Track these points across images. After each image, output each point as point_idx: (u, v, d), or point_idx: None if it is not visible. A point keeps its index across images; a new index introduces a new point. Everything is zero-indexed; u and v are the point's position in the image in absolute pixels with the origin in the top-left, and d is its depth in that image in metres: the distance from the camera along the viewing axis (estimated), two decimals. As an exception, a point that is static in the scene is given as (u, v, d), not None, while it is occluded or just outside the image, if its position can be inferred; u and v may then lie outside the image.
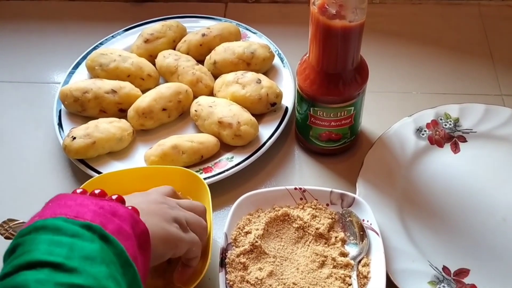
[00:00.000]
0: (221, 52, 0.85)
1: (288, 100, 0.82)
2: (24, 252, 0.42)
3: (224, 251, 0.64)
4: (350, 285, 0.62)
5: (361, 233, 0.66)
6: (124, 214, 0.48)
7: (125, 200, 0.52)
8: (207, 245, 0.63)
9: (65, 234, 0.43)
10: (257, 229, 0.66)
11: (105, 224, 0.45)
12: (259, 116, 0.80)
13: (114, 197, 0.51)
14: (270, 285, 0.62)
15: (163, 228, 0.54)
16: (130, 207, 0.50)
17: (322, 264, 0.64)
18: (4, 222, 0.62)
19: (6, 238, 0.61)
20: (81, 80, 0.84)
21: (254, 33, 0.92)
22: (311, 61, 0.68)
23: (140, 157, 0.77)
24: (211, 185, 0.69)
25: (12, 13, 1.03)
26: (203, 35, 0.88)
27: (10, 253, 0.43)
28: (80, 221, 0.44)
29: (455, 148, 0.77)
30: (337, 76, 0.68)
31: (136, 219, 0.49)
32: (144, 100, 0.79)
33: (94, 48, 0.90)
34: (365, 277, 0.63)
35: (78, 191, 0.52)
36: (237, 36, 0.90)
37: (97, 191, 0.51)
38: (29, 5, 1.04)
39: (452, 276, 0.65)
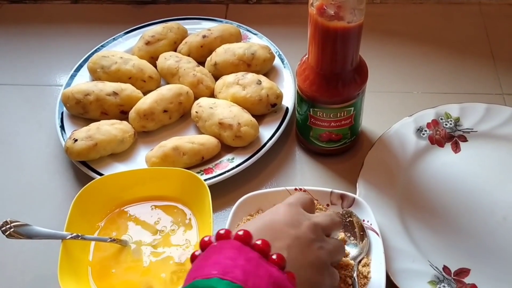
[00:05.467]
0: (222, 53, 0.85)
1: (289, 100, 0.82)
2: None
3: (224, 252, 0.64)
4: (350, 285, 0.62)
5: (361, 233, 0.66)
6: (283, 282, 0.45)
7: (285, 261, 0.47)
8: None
9: None
10: (258, 230, 0.66)
11: None
12: (260, 117, 0.80)
13: (274, 256, 0.47)
14: (271, 286, 0.62)
15: (315, 284, 0.52)
16: (285, 274, 0.47)
17: (323, 264, 0.64)
18: (5, 222, 0.63)
19: (9, 236, 0.62)
20: (83, 82, 0.85)
21: (255, 34, 0.92)
22: (311, 62, 0.68)
23: (141, 159, 0.78)
24: (212, 186, 0.69)
25: (14, 17, 1.04)
26: (204, 36, 0.89)
27: None
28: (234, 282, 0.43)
29: (456, 148, 0.77)
30: (336, 76, 0.68)
31: None
32: (145, 102, 0.80)
33: (96, 51, 0.91)
34: (365, 277, 0.63)
35: (241, 233, 0.48)
36: (237, 38, 0.90)
37: (259, 242, 0.48)
38: (31, 9, 1.05)
39: (452, 275, 0.65)
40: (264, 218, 0.55)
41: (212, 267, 0.44)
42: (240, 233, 0.48)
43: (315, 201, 0.69)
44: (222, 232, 0.49)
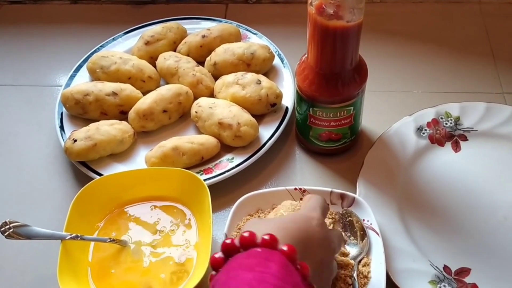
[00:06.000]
0: (221, 53, 0.85)
1: (289, 100, 0.82)
2: None
3: (224, 252, 0.64)
4: (350, 285, 0.62)
5: (361, 233, 0.66)
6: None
7: (308, 272, 0.46)
8: (207, 246, 0.63)
9: None
10: (257, 230, 0.66)
11: None
12: (260, 117, 0.80)
13: (284, 247, 0.46)
14: (271, 286, 0.62)
15: (331, 273, 0.54)
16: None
17: (323, 264, 0.64)
18: (4, 222, 0.63)
19: (8, 237, 0.62)
20: (83, 82, 0.85)
21: (255, 33, 0.92)
22: (310, 62, 0.68)
23: (141, 159, 0.78)
24: (212, 186, 0.69)
25: (14, 17, 1.04)
26: (203, 36, 0.89)
27: None
28: None
29: (456, 147, 0.77)
30: (335, 76, 0.68)
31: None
32: (145, 102, 0.80)
33: (95, 51, 0.91)
34: (366, 277, 0.63)
35: (246, 234, 0.47)
36: (237, 37, 0.90)
37: (266, 237, 0.46)
38: (31, 9, 1.05)
39: (453, 275, 0.65)
40: (300, 229, 0.52)
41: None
42: (246, 234, 0.47)
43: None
44: (228, 241, 0.47)
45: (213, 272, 0.47)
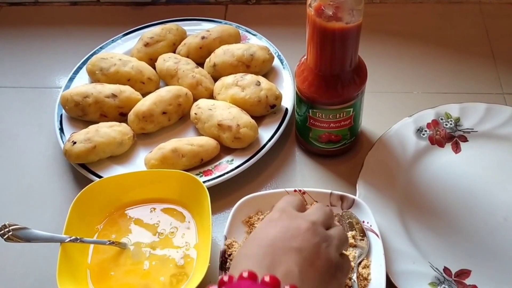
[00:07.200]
0: (221, 54, 0.85)
1: (288, 101, 0.82)
2: None
3: (224, 254, 0.64)
4: (350, 287, 0.62)
5: (361, 234, 0.65)
6: None
7: None
8: (206, 248, 0.63)
9: None
10: (257, 232, 0.66)
11: None
12: (259, 118, 0.80)
13: (287, 287, 0.45)
14: (270, 288, 0.62)
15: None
16: None
17: (322, 266, 0.64)
18: (3, 225, 0.63)
19: (7, 240, 0.62)
20: (82, 84, 0.85)
21: (254, 35, 0.92)
22: (309, 63, 0.68)
23: (140, 161, 0.77)
24: (211, 188, 0.69)
25: (14, 19, 1.04)
26: (203, 38, 0.88)
27: None
28: None
29: (456, 148, 0.77)
30: (335, 77, 0.67)
31: None
32: (144, 103, 0.80)
33: (95, 53, 0.91)
34: (365, 279, 0.62)
35: (245, 274, 0.45)
36: (236, 39, 0.90)
37: (267, 278, 0.45)
38: (30, 11, 1.05)
39: (453, 277, 0.65)
40: (261, 241, 0.51)
41: None
42: (245, 274, 0.45)
43: (315, 203, 0.69)
44: (225, 279, 0.46)
45: None
